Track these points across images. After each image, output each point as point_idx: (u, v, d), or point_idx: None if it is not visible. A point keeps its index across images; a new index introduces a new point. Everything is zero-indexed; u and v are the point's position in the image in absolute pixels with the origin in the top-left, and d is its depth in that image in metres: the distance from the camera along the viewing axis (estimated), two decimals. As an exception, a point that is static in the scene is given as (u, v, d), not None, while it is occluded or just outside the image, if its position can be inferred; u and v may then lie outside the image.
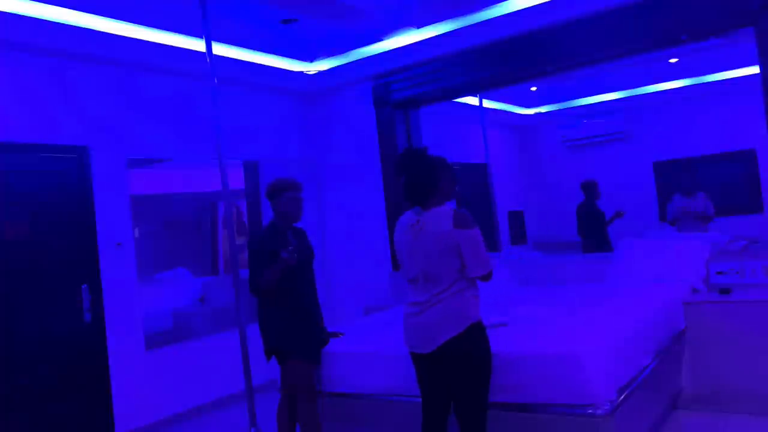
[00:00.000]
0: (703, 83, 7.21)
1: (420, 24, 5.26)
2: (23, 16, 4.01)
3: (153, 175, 6.65)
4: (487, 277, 2.67)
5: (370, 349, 3.38)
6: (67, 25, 4.24)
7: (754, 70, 4.32)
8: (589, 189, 6.58)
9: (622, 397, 2.83)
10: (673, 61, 6.40)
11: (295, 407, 3.39)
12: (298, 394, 3.32)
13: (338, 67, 5.96)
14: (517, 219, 8.12)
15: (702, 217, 5.93)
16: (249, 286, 3.32)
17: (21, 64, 4.23)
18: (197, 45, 4.88)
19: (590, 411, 2.66)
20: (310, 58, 5.96)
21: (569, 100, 8.17)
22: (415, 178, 2.72)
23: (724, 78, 7.04)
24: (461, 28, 5.17)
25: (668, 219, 6.21)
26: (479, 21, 5.06)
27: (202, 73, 4.46)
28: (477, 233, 2.63)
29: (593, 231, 6.50)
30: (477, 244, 2.62)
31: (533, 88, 7.40)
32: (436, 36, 5.30)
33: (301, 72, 6.04)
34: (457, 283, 2.63)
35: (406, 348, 2.82)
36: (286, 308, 3.33)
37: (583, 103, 8.11)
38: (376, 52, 5.65)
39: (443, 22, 5.20)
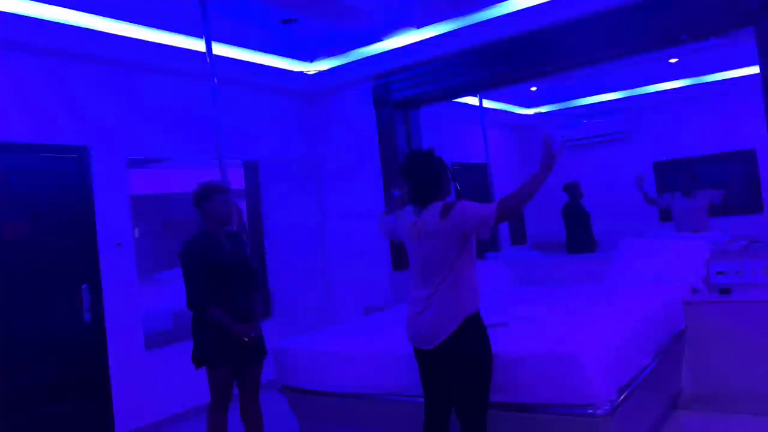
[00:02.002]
0: (703, 83, 7.20)
1: (420, 24, 5.26)
2: (23, 16, 4.01)
3: (153, 175, 6.65)
4: (505, 216, 2.59)
5: (370, 349, 3.38)
6: (67, 25, 4.24)
7: (754, 70, 4.32)
8: (572, 190, 6.64)
9: (622, 397, 2.83)
10: (673, 61, 6.40)
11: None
12: (210, 401, 3.27)
13: (338, 67, 5.96)
14: (517, 219, 8.12)
15: (711, 208, 5.94)
16: (187, 302, 3.19)
17: (21, 64, 4.23)
18: (197, 45, 4.87)
19: (590, 411, 2.66)
20: (310, 58, 5.96)
21: (569, 100, 8.16)
22: (421, 183, 2.74)
23: (724, 78, 7.03)
24: (461, 28, 5.17)
25: (658, 199, 6.24)
26: (479, 21, 5.06)
27: (202, 73, 4.46)
28: (463, 204, 2.63)
29: (578, 230, 6.55)
30: (466, 211, 2.60)
31: (533, 88, 7.40)
32: (436, 36, 5.30)
33: (301, 72, 6.04)
34: (452, 277, 2.64)
35: (407, 347, 2.83)
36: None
37: (583, 103, 8.10)
38: (376, 52, 5.65)
39: (443, 22, 5.20)
